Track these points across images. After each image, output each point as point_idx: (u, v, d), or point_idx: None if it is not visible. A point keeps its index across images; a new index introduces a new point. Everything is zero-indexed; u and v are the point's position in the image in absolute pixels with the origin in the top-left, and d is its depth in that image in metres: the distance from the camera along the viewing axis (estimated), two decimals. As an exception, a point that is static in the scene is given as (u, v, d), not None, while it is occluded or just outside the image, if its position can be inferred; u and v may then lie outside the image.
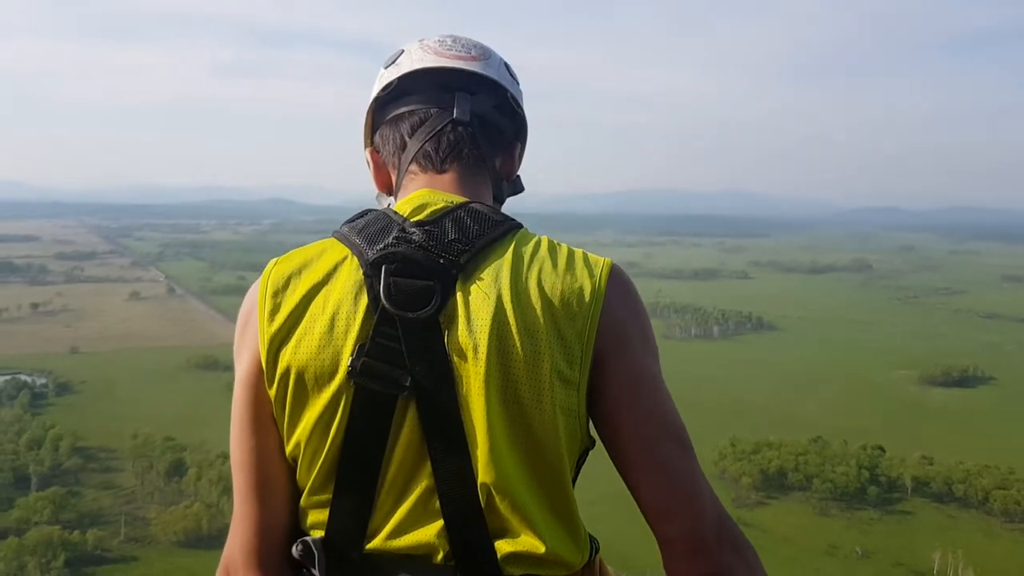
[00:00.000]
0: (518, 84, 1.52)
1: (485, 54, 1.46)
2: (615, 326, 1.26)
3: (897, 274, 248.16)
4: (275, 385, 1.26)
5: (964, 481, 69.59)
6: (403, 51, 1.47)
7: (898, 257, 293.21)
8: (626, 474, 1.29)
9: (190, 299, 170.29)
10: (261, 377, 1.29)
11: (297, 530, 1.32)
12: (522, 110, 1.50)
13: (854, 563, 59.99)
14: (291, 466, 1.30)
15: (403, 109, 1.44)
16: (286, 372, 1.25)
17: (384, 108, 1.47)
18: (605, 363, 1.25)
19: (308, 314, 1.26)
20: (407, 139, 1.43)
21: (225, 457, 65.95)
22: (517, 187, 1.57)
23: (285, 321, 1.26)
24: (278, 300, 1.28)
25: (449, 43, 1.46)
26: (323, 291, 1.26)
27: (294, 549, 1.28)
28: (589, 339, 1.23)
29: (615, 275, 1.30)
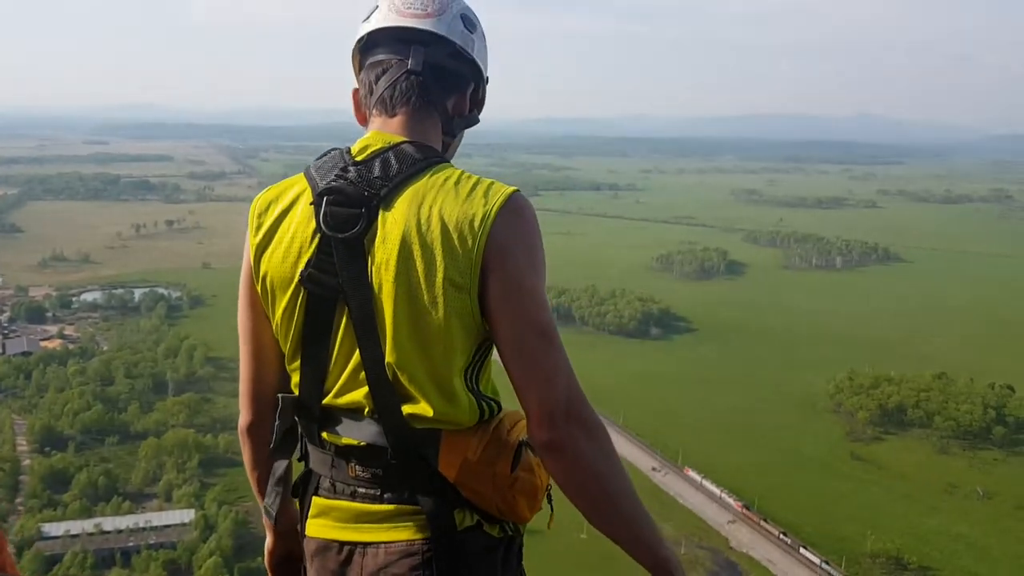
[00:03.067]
0: (475, 30, 1.83)
1: (442, 8, 1.78)
2: (500, 245, 1.59)
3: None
4: (259, 284, 1.76)
5: (1101, 425, 66.03)
6: (377, 6, 1.82)
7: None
8: (503, 362, 1.65)
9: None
10: (251, 275, 1.79)
11: (282, 380, 1.84)
12: (471, 56, 1.81)
13: (974, 503, 58.02)
14: (272, 335, 1.80)
15: (373, 59, 1.80)
16: (263, 275, 1.74)
17: (363, 55, 1.84)
18: (489, 275, 1.59)
19: (277, 233, 1.72)
20: (374, 85, 1.79)
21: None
22: (470, 121, 1.90)
23: (263, 237, 1.74)
24: (260, 220, 1.75)
25: (411, 0, 1.78)
26: (288, 215, 1.72)
27: (279, 401, 1.81)
28: (477, 255, 1.58)
29: (509, 203, 1.62)
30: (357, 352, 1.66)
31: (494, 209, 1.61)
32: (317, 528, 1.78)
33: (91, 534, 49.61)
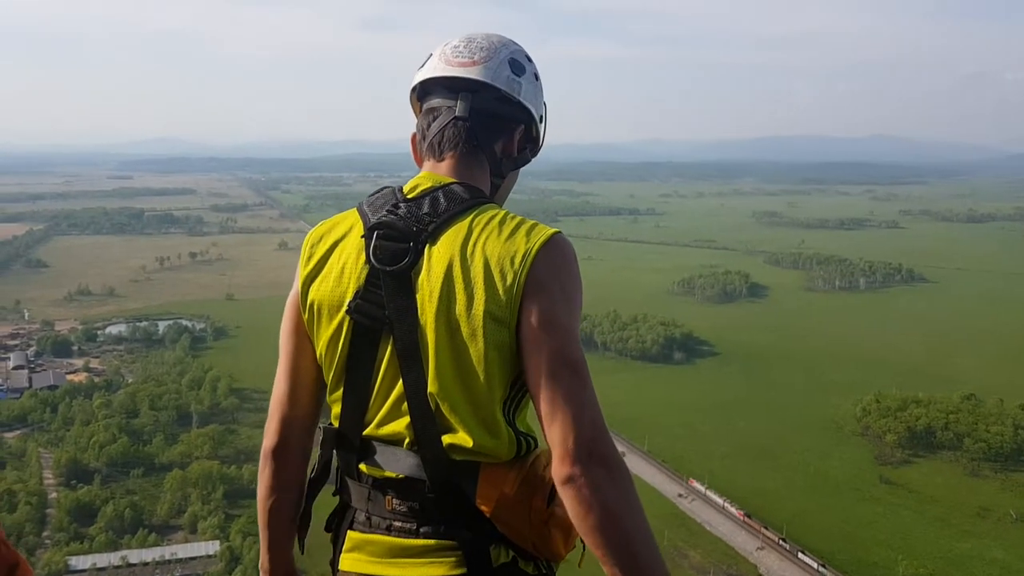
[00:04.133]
0: (523, 73, 1.93)
1: (489, 55, 1.89)
2: (539, 281, 1.65)
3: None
4: (306, 311, 1.83)
5: None
6: (430, 55, 1.95)
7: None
8: (532, 396, 1.67)
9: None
10: (298, 303, 1.85)
11: (314, 408, 1.91)
12: (518, 99, 1.90)
13: (1008, 527, 56.80)
14: (312, 361, 1.86)
15: (427, 105, 1.93)
16: (311, 303, 1.81)
17: (419, 101, 1.97)
18: (525, 310, 1.64)
19: (328, 263, 1.80)
20: (426, 131, 1.91)
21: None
22: (520, 161, 1.99)
23: (314, 267, 1.82)
24: (312, 251, 1.84)
25: (461, 48, 1.90)
26: (339, 247, 1.80)
27: (318, 432, 1.88)
28: (517, 291, 1.64)
29: (551, 242, 1.69)
30: (399, 383, 1.71)
31: (535, 247, 1.67)
32: (351, 563, 1.80)
33: (117, 567, 49.68)
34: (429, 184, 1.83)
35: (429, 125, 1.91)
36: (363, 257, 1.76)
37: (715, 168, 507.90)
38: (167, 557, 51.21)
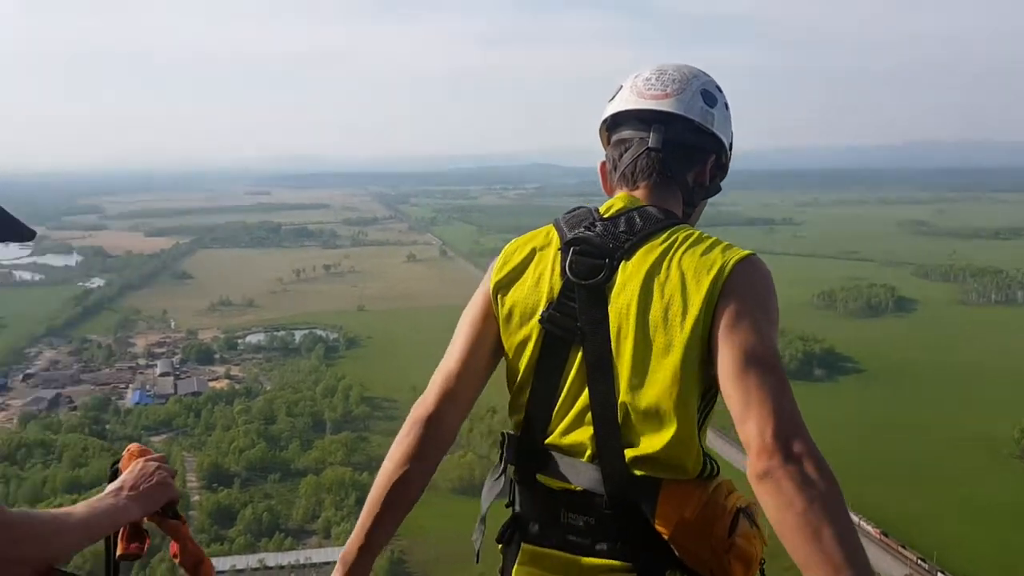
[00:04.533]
0: (715, 104, 1.98)
1: (681, 88, 1.95)
2: (734, 294, 1.67)
3: None
4: (500, 312, 1.89)
5: None
6: (621, 87, 2.02)
7: None
8: (725, 395, 1.64)
9: (460, 261, 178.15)
10: (488, 299, 1.92)
11: (473, 396, 1.93)
12: (711, 130, 1.96)
13: None
14: (489, 353, 1.91)
15: (617, 136, 2.01)
16: (505, 304, 1.88)
17: (609, 132, 2.05)
18: (719, 318, 1.66)
19: (525, 272, 1.88)
20: (617, 161, 1.98)
21: (495, 411, 67.87)
22: (711, 191, 2.04)
23: (509, 272, 1.90)
24: (507, 260, 1.93)
25: (653, 81, 1.96)
26: (536, 258, 1.88)
27: (501, 438, 1.90)
28: (711, 303, 1.66)
29: (746, 260, 1.73)
30: (585, 393, 1.74)
31: (731, 262, 1.71)
32: None
33: (255, 569, 50.53)
34: (625, 205, 1.89)
35: (621, 155, 1.97)
36: (559, 270, 1.82)
37: (857, 175, 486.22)
38: (302, 561, 51.75)
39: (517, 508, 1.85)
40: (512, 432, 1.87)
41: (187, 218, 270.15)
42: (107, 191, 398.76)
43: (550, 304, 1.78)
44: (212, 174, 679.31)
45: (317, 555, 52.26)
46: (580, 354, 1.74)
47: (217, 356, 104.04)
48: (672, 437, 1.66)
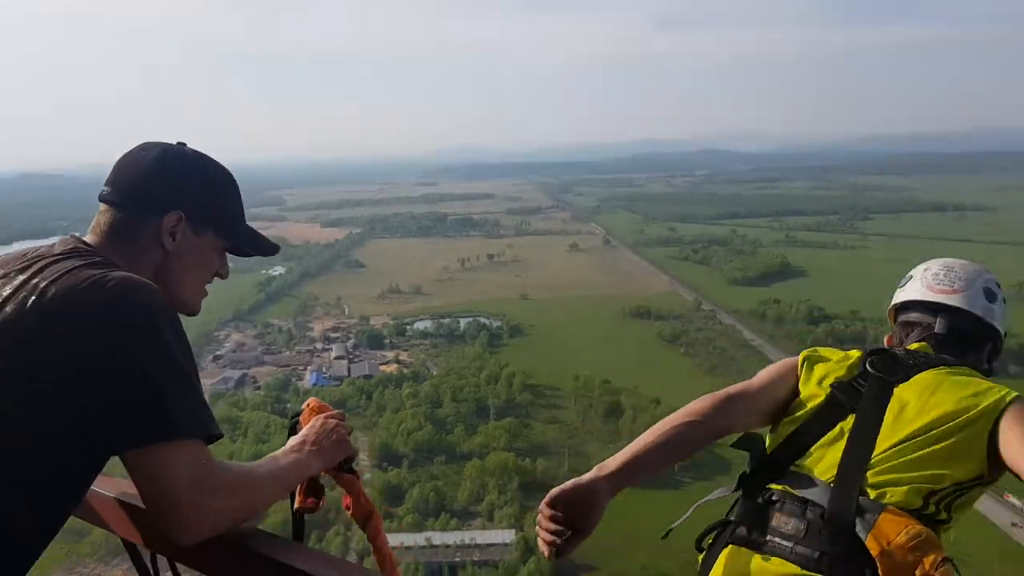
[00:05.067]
0: (995, 300, 2.29)
1: (967, 285, 2.28)
2: (1010, 414, 1.85)
3: None
4: (802, 371, 2.18)
5: None
6: (911, 277, 2.39)
7: None
8: (1017, 471, 1.79)
9: (624, 250, 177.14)
10: (795, 373, 2.20)
11: (760, 415, 2.17)
12: (990, 323, 2.26)
13: None
14: (781, 399, 2.17)
15: (905, 318, 2.36)
16: (812, 367, 2.17)
17: (898, 313, 2.40)
18: (1001, 434, 1.84)
19: (833, 359, 2.17)
20: (904, 339, 2.30)
21: (657, 402, 67.38)
22: (988, 375, 2.20)
23: (819, 352, 2.23)
24: (816, 349, 2.26)
25: (941, 276, 2.31)
26: (843, 354, 2.19)
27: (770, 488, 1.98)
28: (990, 420, 1.87)
29: (1018, 399, 1.90)
30: (843, 443, 1.93)
31: (1009, 397, 1.90)
32: None
33: (422, 547, 52.42)
34: (919, 348, 2.19)
35: (907, 335, 2.31)
36: (858, 363, 2.11)
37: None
38: (467, 542, 53.22)
39: (732, 516, 1.93)
40: (763, 448, 2.06)
41: (360, 209, 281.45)
42: (286, 184, 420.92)
43: (839, 379, 2.07)
44: (385, 166, 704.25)
45: (481, 536, 53.75)
46: (851, 421, 1.96)
47: (387, 341, 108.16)
48: (905, 495, 1.82)
